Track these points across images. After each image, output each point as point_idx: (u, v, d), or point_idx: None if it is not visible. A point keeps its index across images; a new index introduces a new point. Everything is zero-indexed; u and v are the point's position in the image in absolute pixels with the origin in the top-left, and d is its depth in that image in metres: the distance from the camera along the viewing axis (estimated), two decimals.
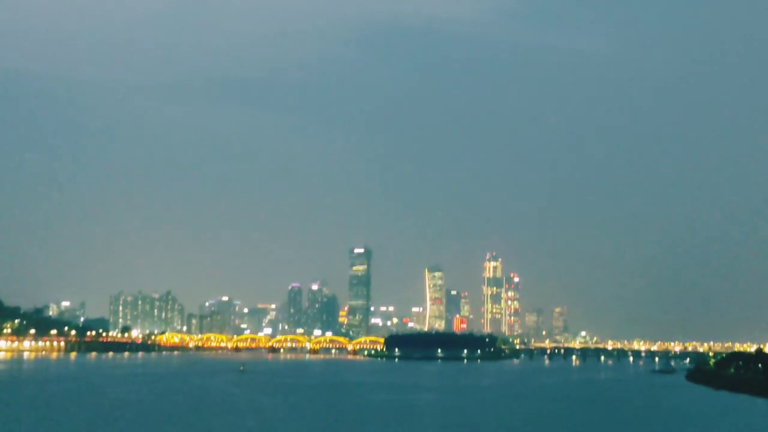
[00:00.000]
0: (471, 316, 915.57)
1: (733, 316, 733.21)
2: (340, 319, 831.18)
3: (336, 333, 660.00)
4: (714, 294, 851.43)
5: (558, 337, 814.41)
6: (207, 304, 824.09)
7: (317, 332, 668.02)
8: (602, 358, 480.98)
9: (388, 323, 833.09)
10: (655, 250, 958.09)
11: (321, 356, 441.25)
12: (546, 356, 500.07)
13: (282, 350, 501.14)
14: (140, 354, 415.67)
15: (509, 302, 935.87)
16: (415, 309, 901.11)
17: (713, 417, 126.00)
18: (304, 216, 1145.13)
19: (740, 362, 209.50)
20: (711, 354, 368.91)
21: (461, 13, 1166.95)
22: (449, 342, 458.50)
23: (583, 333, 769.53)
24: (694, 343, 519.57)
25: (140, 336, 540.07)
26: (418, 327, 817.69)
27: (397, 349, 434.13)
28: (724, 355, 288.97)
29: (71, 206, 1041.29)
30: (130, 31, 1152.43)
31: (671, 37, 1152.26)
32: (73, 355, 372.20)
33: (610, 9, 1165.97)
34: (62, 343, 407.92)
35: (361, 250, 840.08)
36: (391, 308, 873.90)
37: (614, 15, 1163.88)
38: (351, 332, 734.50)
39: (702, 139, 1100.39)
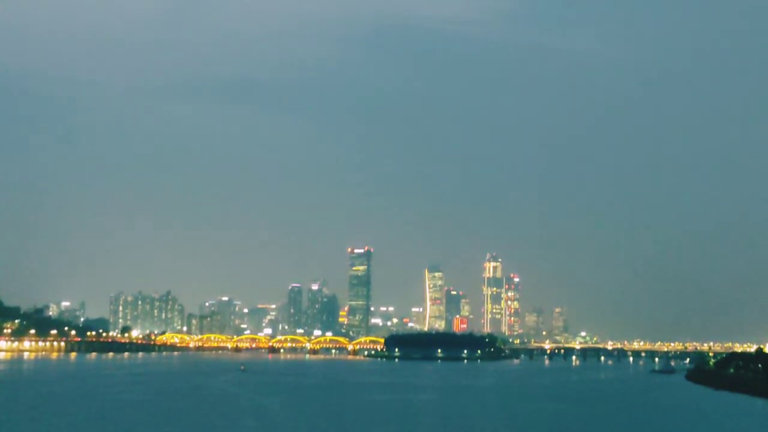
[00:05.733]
0: (471, 316, 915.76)
1: (733, 316, 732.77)
2: (340, 320, 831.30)
3: (336, 333, 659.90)
4: (714, 294, 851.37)
5: (558, 337, 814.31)
6: (207, 304, 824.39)
7: (317, 332, 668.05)
8: (602, 358, 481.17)
9: (388, 323, 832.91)
10: (654, 250, 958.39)
11: (321, 356, 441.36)
12: (546, 356, 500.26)
13: (282, 350, 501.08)
14: (140, 354, 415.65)
15: (509, 302, 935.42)
16: (415, 309, 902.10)
17: (713, 417, 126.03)
18: (304, 216, 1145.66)
19: (740, 362, 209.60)
20: (711, 354, 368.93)
21: (460, 14, 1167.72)
22: (449, 342, 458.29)
23: (583, 333, 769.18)
24: (694, 343, 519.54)
25: (141, 336, 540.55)
26: (418, 327, 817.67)
27: (397, 349, 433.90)
28: (724, 355, 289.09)
29: (71, 206, 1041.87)
30: (130, 31, 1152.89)
31: (669, 37, 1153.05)
32: (73, 355, 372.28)
33: (607, 10, 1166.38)
34: (62, 344, 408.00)
35: (361, 251, 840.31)
36: (391, 308, 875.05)
37: (612, 16, 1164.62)
38: (351, 332, 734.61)
39: (701, 138, 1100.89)
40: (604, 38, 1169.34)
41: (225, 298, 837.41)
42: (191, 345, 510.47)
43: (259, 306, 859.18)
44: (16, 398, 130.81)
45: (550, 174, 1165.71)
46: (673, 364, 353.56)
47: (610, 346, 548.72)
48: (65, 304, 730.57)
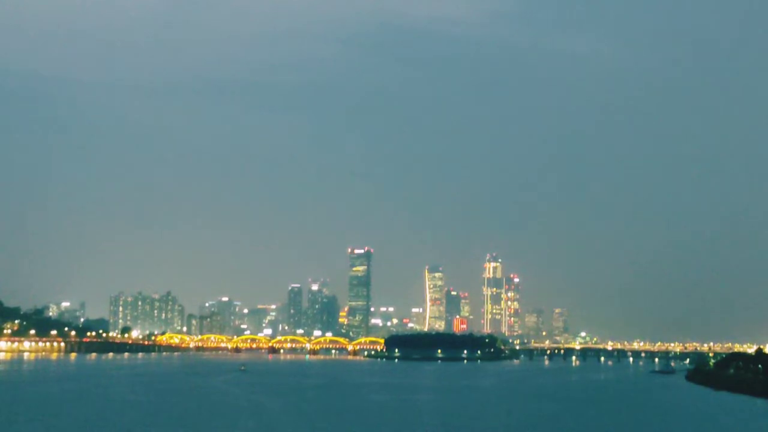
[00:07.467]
0: (471, 317, 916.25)
1: (733, 316, 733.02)
2: (340, 320, 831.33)
3: (336, 334, 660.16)
4: (714, 294, 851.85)
5: (558, 338, 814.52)
6: (207, 304, 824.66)
7: (317, 333, 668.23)
8: (602, 358, 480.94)
9: (388, 324, 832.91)
10: (654, 250, 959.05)
11: (321, 357, 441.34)
12: (546, 357, 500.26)
13: (282, 351, 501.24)
14: (140, 354, 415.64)
15: (509, 303, 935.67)
16: (415, 309, 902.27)
17: (713, 417, 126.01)
18: (304, 216, 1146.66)
19: (740, 363, 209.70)
20: (711, 354, 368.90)
21: (456, 15, 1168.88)
22: (449, 342, 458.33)
23: (583, 333, 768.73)
24: (694, 343, 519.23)
25: (141, 336, 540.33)
26: (418, 327, 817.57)
27: (397, 350, 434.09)
28: (724, 356, 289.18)
29: (71, 206, 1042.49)
30: (130, 32, 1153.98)
31: (669, 38, 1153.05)
32: (73, 355, 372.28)
33: (602, 10, 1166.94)
34: (62, 344, 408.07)
35: (361, 251, 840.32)
36: (391, 309, 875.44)
37: (607, 16, 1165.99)
38: (351, 333, 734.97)
39: (701, 139, 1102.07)
40: (604, 39, 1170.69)
41: (225, 299, 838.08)
42: (191, 345, 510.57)
43: (259, 306, 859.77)
44: (16, 398, 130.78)
45: (550, 174, 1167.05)
46: (673, 364, 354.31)
47: (610, 346, 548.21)
48: (65, 304, 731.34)
